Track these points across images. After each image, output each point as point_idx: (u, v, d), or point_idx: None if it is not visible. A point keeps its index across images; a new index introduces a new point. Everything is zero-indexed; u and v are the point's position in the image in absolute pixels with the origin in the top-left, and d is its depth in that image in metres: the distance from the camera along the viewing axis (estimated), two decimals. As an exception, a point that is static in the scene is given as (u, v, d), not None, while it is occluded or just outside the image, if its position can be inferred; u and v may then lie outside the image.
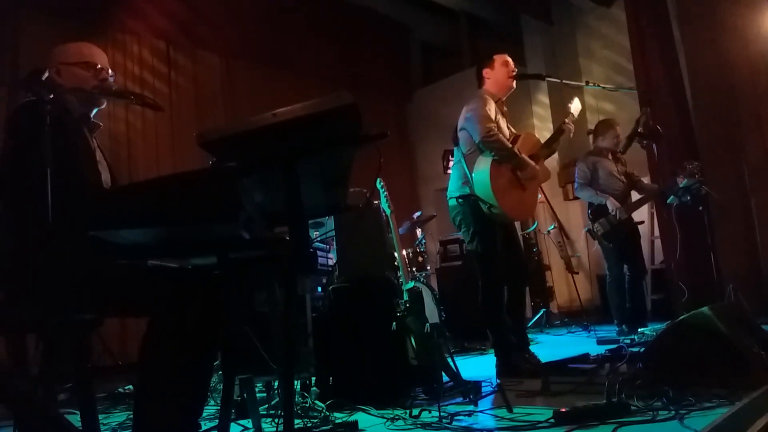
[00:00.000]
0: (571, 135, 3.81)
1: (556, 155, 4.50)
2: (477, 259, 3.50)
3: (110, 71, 2.04)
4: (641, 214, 5.47)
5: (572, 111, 3.86)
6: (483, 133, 3.34)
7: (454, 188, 3.58)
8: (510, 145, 3.43)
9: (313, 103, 1.42)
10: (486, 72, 3.66)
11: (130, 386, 3.47)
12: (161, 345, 1.56)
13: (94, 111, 2.04)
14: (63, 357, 1.79)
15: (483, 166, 3.40)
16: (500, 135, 3.39)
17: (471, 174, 3.45)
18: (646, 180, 6.02)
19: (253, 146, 1.52)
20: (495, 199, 3.33)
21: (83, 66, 1.97)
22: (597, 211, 4.86)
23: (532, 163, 3.52)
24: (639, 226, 5.02)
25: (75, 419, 1.74)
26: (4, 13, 5.08)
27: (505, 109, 3.72)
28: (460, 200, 3.49)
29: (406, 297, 3.11)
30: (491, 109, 3.47)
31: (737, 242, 5.24)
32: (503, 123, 3.61)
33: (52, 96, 1.57)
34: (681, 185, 4.54)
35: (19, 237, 1.67)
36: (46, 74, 1.59)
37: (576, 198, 6.76)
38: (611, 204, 4.75)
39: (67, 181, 1.54)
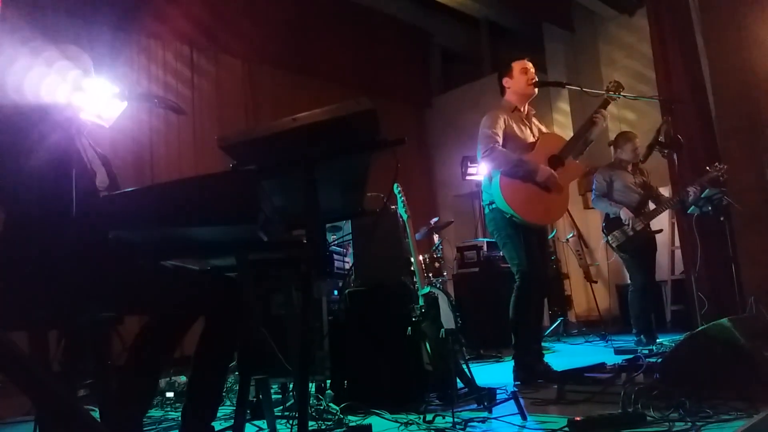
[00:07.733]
0: (605, 125, 3.66)
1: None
2: (510, 263, 3.55)
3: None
4: (661, 222, 5.40)
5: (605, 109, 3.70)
6: (481, 152, 3.49)
7: (485, 196, 3.63)
8: (511, 157, 3.43)
9: (332, 108, 1.44)
10: (506, 81, 3.69)
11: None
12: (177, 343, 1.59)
13: (80, 112, 1.99)
14: (83, 354, 1.83)
15: (495, 178, 3.48)
16: (498, 150, 3.43)
17: (490, 185, 3.53)
18: (667, 189, 5.98)
19: (273, 150, 1.54)
20: (511, 209, 3.40)
21: None
22: (612, 223, 4.81)
23: (542, 167, 3.45)
24: (659, 236, 4.95)
25: (93, 415, 1.77)
26: (36, 18, 5.18)
27: (533, 112, 3.74)
28: (491, 206, 3.54)
29: (421, 302, 3.11)
30: (500, 124, 3.51)
31: (759, 254, 5.14)
32: (526, 130, 3.62)
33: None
34: (702, 195, 4.49)
35: (36, 236, 1.70)
36: None
37: (595, 206, 6.71)
38: (624, 214, 4.69)
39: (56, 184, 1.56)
